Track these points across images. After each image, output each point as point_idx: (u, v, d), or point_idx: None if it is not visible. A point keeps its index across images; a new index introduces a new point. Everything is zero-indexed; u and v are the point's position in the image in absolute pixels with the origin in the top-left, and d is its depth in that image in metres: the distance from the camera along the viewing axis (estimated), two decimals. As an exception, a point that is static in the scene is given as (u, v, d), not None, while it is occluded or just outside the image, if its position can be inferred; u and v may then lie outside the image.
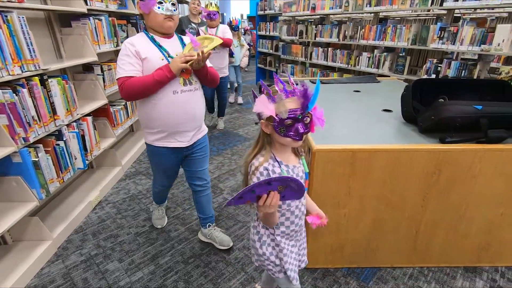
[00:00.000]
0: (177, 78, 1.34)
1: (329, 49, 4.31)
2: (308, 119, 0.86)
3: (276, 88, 0.84)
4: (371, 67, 3.69)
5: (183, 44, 1.44)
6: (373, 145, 1.35)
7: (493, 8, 3.36)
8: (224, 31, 3.32)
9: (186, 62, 1.28)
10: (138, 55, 1.30)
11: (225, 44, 3.22)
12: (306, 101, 0.82)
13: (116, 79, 1.31)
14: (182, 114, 1.39)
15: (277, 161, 0.91)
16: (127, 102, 2.86)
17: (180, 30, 3.13)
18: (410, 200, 1.43)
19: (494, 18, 3.82)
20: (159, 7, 1.30)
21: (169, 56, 1.35)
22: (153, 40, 1.36)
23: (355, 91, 2.44)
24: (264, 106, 0.83)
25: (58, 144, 1.79)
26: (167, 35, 1.41)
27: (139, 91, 1.29)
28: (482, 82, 1.73)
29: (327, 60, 4.40)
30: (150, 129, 1.44)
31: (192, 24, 3.36)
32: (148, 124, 1.43)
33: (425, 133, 1.49)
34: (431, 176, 1.37)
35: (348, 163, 1.35)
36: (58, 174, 1.79)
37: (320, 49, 4.48)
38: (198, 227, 1.92)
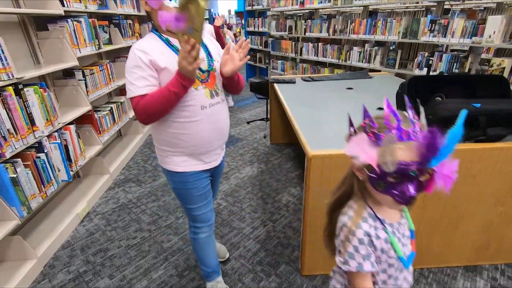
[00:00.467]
0: (203, 91, 1.11)
1: (319, 44, 4.25)
2: (428, 176, 0.58)
3: (385, 124, 0.58)
4: (362, 62, 3.64)
5: (204, 46, 1.14)
6: (370, 148, 1.30)
7: (481, -1, 3.34)
8: (212, 31, 3.25)
9: (194, 59, 0.93)
10: (154, 65, 1.02)
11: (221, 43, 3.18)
12: (430, 154, 0.54)
13: (129, 99, 1.04)
14: (213, 130, 1.18)
15: (378, 218, 0.68)
16: (113, 107, 2.75)
17: None
18: (409, 202, 1.39)
19: (482, 8, 3.81)
20: (170, 0, 1.02)
21: None
22: (169, 44, 1.07)
23: (348, 88, 2.39)
24: (361, 148, 0.59)
25: (39, 157, 1.69)
26: None
27: (159, 109, 1.03)
28: (476, 78, 1.70)
29: (317, 56, 4.33)
30: (173, 152, 1.19)
31: None
32: (172, 145, 1.17)
33: (422, 133, 1.45)
34: (430, 177, 1.33)
35: (346, 169, 1.29)
36: (40, 188, 1.69)
37: (310, 45, 4.41)
38: (191, 236, 1.85)
